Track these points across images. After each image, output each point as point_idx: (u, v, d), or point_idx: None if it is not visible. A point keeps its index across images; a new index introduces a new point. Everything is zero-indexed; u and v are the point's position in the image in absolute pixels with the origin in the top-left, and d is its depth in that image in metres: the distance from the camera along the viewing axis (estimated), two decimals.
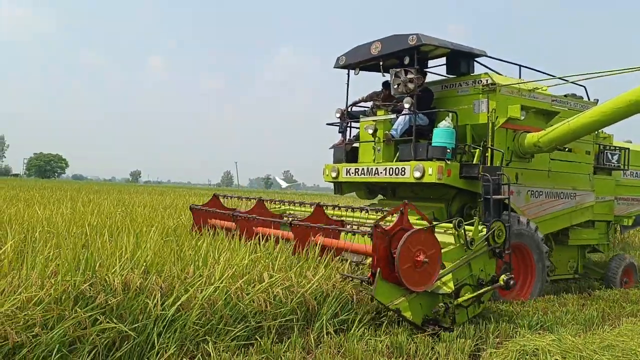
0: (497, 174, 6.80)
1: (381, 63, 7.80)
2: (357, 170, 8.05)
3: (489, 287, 5.62)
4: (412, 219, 5.76)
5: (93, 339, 3.78)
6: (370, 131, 7.78)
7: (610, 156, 9.19)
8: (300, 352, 4.37)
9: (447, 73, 8.20)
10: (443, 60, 8.24)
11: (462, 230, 5.56)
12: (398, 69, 7.31)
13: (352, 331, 4.91)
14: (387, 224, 5.41)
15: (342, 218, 7.19)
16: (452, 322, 5.35)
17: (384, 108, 7.90)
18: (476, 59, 7.92)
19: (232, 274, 4.91)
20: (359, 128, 8.47)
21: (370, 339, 4.77)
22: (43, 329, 3.64)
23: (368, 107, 8.61)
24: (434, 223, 5.45)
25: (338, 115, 8.55)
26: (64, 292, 3.96)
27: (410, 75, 7.21)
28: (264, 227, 6.97)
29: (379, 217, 5.85)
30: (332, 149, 8.75)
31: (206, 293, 4.47)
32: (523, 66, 8.12)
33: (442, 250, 5.34)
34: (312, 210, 6.98)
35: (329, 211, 7.23)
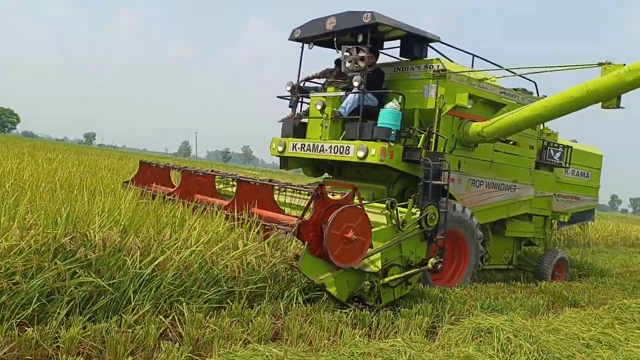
0: (439, 160, 6.85)
1: (335, 39, 7.71)
2: (303, 145, 7.97)
3: (416, 269, 5.66)
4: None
5: (71, 291, 3.93)
6: (319, 107, 7.70)
7: (552, 153, 9.40)
8: (270, 318, 4.52)
9: (400, 56, 8.17)
10: (398, 42, 8.20)
11: (395, 211, 5.57)
12: (350, 46, 7.23)
13: (319, 303, 5.12)
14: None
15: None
16: (377, 301, 5.38)
17: (335, 85, 7.82)
18: (430, 44, 7.92)
19: (208, 240, 5.07)
20: (309, 103, 8.37)
21: (336, 311, 4.98)
22: (23, 278, 3.76)
23: (321, 84, 8.52)
24: (365, 202, 5.43)
25: (289, 88, 8.41)
26: (43, 245, 4.08)
27: (361, 54, 7.14)
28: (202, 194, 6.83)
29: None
30: (281, 123, 8.63)
31: (182, 255, 4.63)
32: (476, 56, 8.14)
33: (374, 230, 5.35)
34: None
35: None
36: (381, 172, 7.70)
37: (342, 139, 7.54)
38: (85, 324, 3.72)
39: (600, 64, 6.41)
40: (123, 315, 3.96)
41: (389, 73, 8.11)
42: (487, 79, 7.88)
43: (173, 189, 7.16)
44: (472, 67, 8.10)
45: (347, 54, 7.28)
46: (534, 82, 9.06)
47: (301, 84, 8.59)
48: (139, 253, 4.43)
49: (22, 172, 8.25)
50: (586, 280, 9.86)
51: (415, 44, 7.83)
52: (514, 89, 8.64)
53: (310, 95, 8.22)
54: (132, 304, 4.14)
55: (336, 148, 7.38)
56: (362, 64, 7.15)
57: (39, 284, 3.80)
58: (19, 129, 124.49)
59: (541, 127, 9.25)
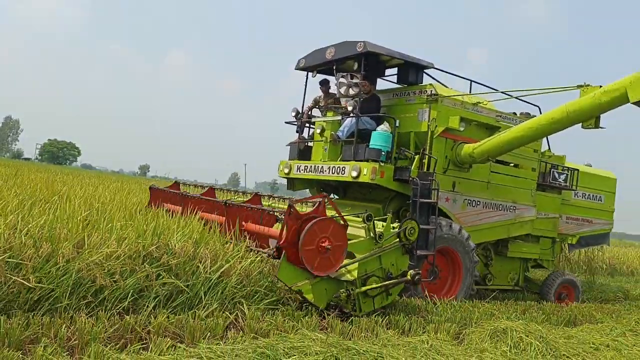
0: (429, 179, 7.20)
1: (334, 67, 8.24)
2: (306, 167, 8.47)
3: (394, 280, 5.98)
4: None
5: (156, 289, 4.89)
6: (319, 131, 8.21)
7: (557, 175, 9.52)
8: (317, 317, 5.33)
9: (397, 82, 8.62)
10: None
11: (372, 224, 5.94)
12: (344, 73, 7.75)
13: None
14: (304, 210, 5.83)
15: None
16: (354, 309, 5.71)
17: (334, 110, 8.33)
18: (425, 70, 8.34)
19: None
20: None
21: (373, 316, 5.64)
22: (121, 277, 4.75)
23: (322, 110, 9.05)
24: (345, 214, 5.82)
25: (293, 114, 8.99)
26: (135, 252, 5.12)
27: (355, 80, 7.64)
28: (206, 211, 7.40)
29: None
30: (289, 146, 9.18)
31: (244, 264, 5.57)
32: (473, 81, 8.49)
33: (352, 241, 5.73)
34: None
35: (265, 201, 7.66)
36: (379, 193, 8.08)
37: (339, 160, 8.00)
38: (168, 315, 4.59)
39: (579, 86, 6.68)
40: (196, 311, 4.85)
41: (388, 99, 8.56)
42: (481, 103, 8.20)
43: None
44: (470, 91, 8.44)
45: (343, 80, 7.80)
46: (537, 106, 9.29)
47: (309, 112, 9.16)
48: (209, 261, 5.35)
49: (101, 197, 9.24)
50: (620, 304, 9.91)
51: (410, 70, 8.27)
52: (514, 113, 8.91)
53: (313, 120, 8.76)
54: (203, 302, 5.04)
55: (334, 169, 7.85)
56: (355, 90, 7.64)
57: (132, 283, 4.76)
58: (79, 162, 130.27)
59: (543, 150, 9.43)
